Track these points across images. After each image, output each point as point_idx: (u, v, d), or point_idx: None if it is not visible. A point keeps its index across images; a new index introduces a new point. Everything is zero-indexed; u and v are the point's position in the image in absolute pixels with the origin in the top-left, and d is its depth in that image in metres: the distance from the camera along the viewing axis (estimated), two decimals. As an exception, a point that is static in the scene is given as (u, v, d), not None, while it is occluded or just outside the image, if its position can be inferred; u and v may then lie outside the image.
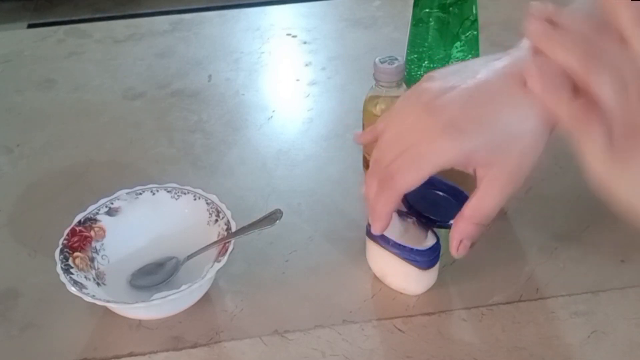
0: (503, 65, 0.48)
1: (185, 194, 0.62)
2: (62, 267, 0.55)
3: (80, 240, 0.59)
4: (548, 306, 0.57)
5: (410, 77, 0.71)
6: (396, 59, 0.64)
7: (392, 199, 0.50)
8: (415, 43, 0.69)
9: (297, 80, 0.89)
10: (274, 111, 0.83)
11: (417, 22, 0.68)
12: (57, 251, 0.57)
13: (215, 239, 0.59)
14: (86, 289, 0.54)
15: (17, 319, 0.58)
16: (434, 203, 0.58)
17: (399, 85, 0.65)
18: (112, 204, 0.62)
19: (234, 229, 0.58)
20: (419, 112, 0.48)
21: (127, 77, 0.91)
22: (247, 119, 0.82)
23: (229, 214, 0.59)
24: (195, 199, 0.62)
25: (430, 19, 0.67)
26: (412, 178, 0.48)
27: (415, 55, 0.70)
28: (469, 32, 0.67)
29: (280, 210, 0.60)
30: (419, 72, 0.70)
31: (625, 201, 0.38)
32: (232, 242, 0.57)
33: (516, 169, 0.46)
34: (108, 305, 0.54)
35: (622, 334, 0.55)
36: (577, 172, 0.40)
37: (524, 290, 0.59)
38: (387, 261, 0.57)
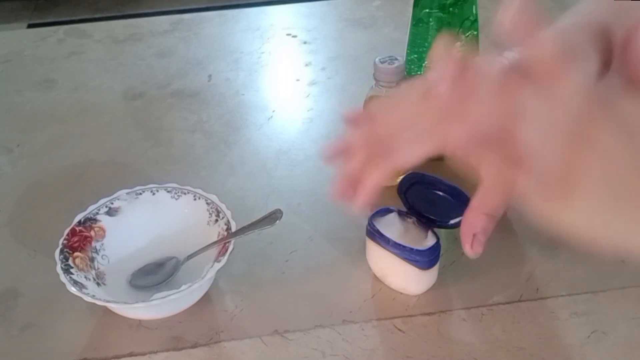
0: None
1: (185, 194, 0.62)
2: (62, 267, 0.55)
3: (80, 240, 0.59)
4: (548, 306, 0.57)
5: (410, 77, 0.71)
6: (396, 59, 0.64)
7: (386, 171, 0.48)
8: (415, 43, 0.69)
9: (297, 80, 0.89)
10: (274, 111, 0.83)
11: (417, 22, 0.68)
12: (57, 251, 0.57)
13: (215, 239, 0.59)
14: (86, 289, 0.54)
15: (17, 319, 0.58)
16: (434, 203, 0.58)
17: (399, 85, 0.65)
18: (112, 204, 0.62)
19: (234, 229, 0.58)
20: (420, 96, 0.48)
21: (127, 77, 0.91)
22: (247, 119, 0.82)
23: (229, 214, 0.59)
24: (195, 199, 0.62)
25: (430, 19, 0.67)
26: (413, 154, 0.46)
27: (415, 55, 0.70)
28: (469, 32, 0.68)
29: (280, 210, 0.60)
30: (419, 72, 0.70)
31: (574, 233, 0.37)
32: (232, 242, 0.57)
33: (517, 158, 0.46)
34: (108, 305, 0.54)
35: (622, 334, 0.55)
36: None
37: (524, 290, 0.59)
38: (387, 261, 0.57)
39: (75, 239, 0.59)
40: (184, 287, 0.53)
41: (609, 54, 0.37)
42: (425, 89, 0.46)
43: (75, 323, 0.57)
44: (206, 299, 0.59)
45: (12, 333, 0.57)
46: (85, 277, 0.56)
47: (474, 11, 0.67)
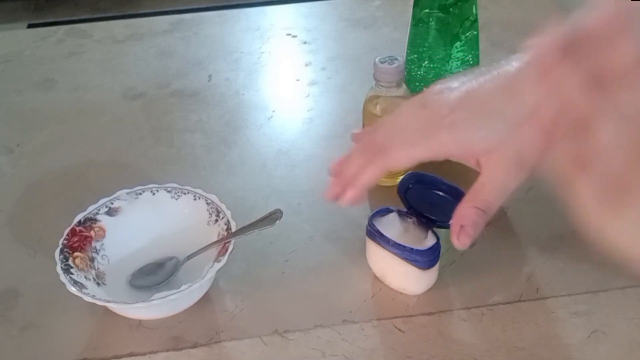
0: (503, 71, 0.48)
1: (185, 194, 0.62)
2: (62, 267, 0.55)
3: (80, 240, 0.59)
4: (548, 306, 0.57)
5: (410, 77, 0.71)
6: (396, 59, 0.64)
7: (378, 170, 0.49)
8: (415, 43, 0.69)
9: (297, 80, 0.89)
10: (274, 111, 0.83)
11: (417, 22, 0.68)
12: (57, 251, 0.57)
13: (215, 239, 0.59)
14: (86, 289, 0.54)
15: (17, 319, 0.58)
16: (434, 203, 0.58)
17: (399, 85, 0.65)
18: (112, 204, 0.62)
19: (234, 229, 0.58)
20: (417, 107, 0.49)
21: (127, 77, 0.91)
22: (247, 119, 0.82)
23: (229, 214, 0.59)
24: (195, 199, 0.62)
25: (430, 19, 0.67)
26: (404, 154, 0.47)
27: (415, 55, 0.70)
28: (469, 32, 0.68)
29: (280, 210, 0.60)
30: (419, 72, 0.70)
31: (618, 247, 0.37)
32: (232, 242, 0.57)
33: (516, 157, 0.46)
34: (108, 305, 0.54)
35: (622, 334, 0.55)
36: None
37: (524, 290, 0.59)
38: (387, 261, 0.57)
39: (75, 239, 0.59)
40: (184, 287, 0.53)
41: None
42: (422, 100, 0.48)
43: (75, 323, 0.57)
44: (206, 299, 0.59)
45: (12, 333, 0.57)
46: (85, 277, 0.56)
47: (474, 11, 0.67)
